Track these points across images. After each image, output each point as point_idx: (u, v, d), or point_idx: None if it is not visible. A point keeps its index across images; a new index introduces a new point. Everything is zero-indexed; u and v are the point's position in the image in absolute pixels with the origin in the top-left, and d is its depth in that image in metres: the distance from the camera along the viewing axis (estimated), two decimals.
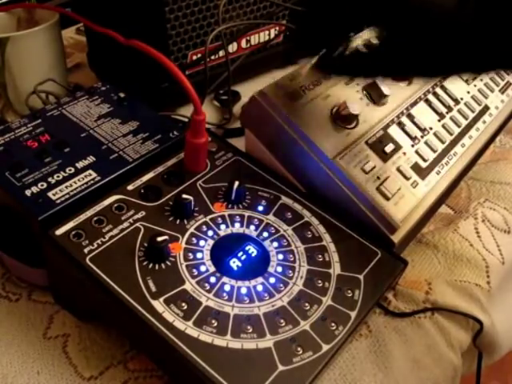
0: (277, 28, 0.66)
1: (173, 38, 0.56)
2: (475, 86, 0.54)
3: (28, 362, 0.35)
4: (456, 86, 0.52)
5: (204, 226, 0.37)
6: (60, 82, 0.54)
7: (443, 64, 0.34)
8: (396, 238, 0.40)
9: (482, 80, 0.55)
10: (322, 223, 0.39)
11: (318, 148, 0.40)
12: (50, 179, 0.37)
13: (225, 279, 0.34)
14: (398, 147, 0.43)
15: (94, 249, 0.34)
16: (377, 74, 0.41)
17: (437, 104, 0.49)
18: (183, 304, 0.32)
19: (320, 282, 0.36)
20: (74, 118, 0.44)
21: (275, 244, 0.37)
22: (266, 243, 0.37)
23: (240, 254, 0.36)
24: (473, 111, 0.51)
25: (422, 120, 0.47)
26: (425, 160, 0.44)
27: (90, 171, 0.39)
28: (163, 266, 0.34)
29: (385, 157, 0.42)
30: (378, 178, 0.41)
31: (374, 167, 0.41)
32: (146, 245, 0.35)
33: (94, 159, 0.40)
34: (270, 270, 0.36)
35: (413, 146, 0.44)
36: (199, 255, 0.35)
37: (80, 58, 0.73)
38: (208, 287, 0.34)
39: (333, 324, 0.33)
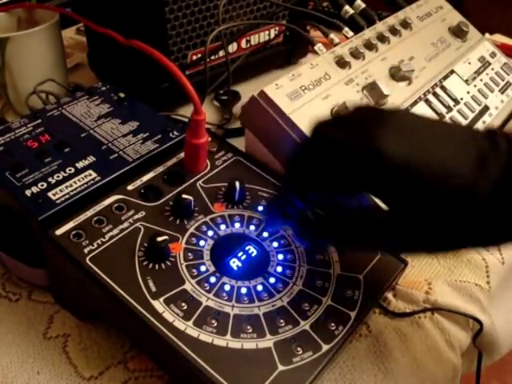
0: (277, 28, 0.66)
1: (173, 38, 0.56)
2: (475, 86, 0.54)
3: (28, 362, 0.35)
4: (456, 86, 0.52)
5: (204, 226, 0.37)
6: (60, 82, 0.54)
7: (450, 239, 0.29)
8: None
9: (481, 80, 0.55)
10: None
11: None
12: (50, 179, 0.37)
13: (225, 279, 0.34)
14: None
15: (94, 249, 0.34)
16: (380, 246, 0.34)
17: (437, 104, 0.49)
18: (183, 304, 0.32)
19: (320, 281, 0.36)
20: (74, 118, 0.44)
21: (275, 244, 0.37)
22: (266, 243, 0.37)
23: (240, 254, 0.36)
24: (473, 111, 0.51)
25: None
26: None
27: (90, 171, 0.39)
28: (163, 266, 0.34)
29: None
30: None
31: None
32: (146, 245, 0.35)
33: (94, 159, 0.40)
34: (270, 270, 0.36)
35: None
36: (199, 255, 0.35)
37: (80, 58, 0.73)
38: (208, 287, 0.34)
39: (333, 324, 0.33)
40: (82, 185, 0.37)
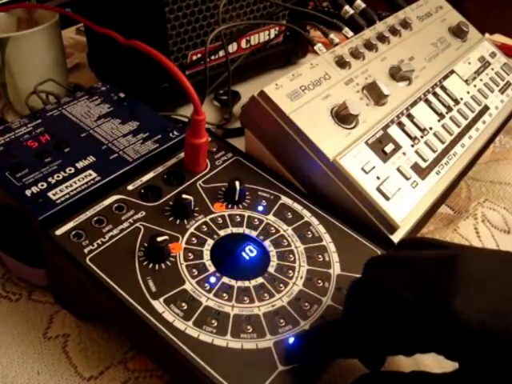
0: (277, 28, 0.66)
1: (173, 38, 0.56)
2: (475, 86, 0.54)
3: (28, 362, 0.35)
4: (456, 86, 0.52)
5: (204, 226, 0.37)
6: (60, 82, 0.54)
7: None
8: (396, 237, 0.40)
9: (481, 80, 0.55)
10: (321, 223, 0.39)
11: (318, 148, 0.40)
12: (50, 179, 0.37)
13: (225, 279, 0.34)
14: (397, 147, 0.43)
15: (94, 249, 0.34)
16: None
17: (437, 104, 0.49)
18: (183, 304, 0.32)
19: (320, 281, 0.36)
20: (74, 118, 0.44)
21: (275, 244, 0.37)
22: (266, 243, 0.37)
23: (240, 253, 0.36)
24: (473, 111, 0.51)
25: (421, 120, 0.47)
26: (425, 160, 0.44)
27: (90, 171, 0.39)
28: (163, 265, 0.34)
29: (385, 157, 0.42)
30: (378, 178, 0.41)
31: (374, 167, 0.41)
32: (146, 245, 0.35)
33: (94, 159, 0.40)
34: (270, 270, 0.36)
35: (413, 146, 0.44)
36: (199, 255, 0.35)
37: (80, 58, 0.73)
38: (208, 287, 0.34)
39: None
40: (82, 185, 0.37)
